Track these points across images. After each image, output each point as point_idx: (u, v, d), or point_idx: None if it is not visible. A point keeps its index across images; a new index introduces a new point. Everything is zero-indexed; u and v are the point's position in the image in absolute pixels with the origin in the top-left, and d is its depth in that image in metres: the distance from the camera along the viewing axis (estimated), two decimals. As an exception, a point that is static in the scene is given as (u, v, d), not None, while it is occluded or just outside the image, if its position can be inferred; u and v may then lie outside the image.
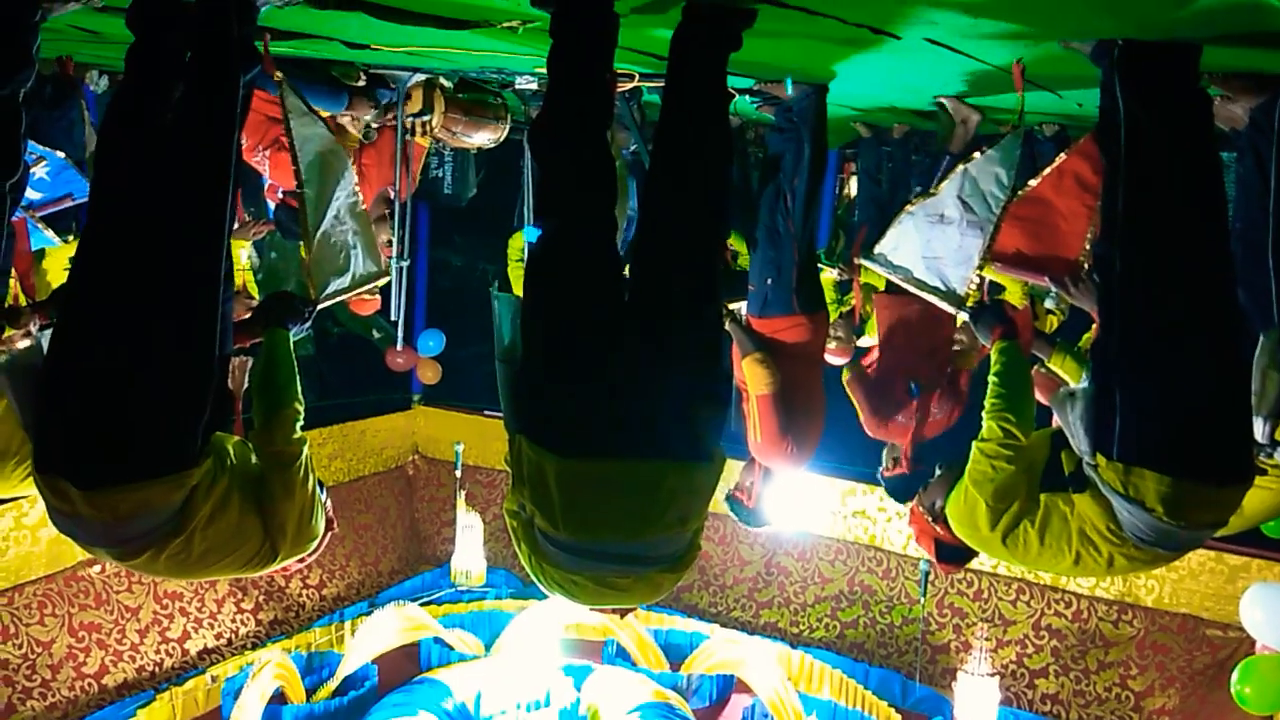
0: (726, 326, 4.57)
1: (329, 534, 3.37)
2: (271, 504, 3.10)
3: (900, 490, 5.20)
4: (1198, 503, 3.01)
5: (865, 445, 6.46)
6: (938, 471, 3.68)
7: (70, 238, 4.98)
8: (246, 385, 3.40)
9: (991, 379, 3.46)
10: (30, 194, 4.56)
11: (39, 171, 4.62)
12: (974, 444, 3.41)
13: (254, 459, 3.17)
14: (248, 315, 3.54)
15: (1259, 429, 3.25)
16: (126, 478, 2.75)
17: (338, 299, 3.92)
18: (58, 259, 5.27)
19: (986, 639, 7.02)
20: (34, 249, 5.05)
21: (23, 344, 3.85)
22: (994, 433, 3.34)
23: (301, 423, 3.22)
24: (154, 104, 2.86)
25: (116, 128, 2.93)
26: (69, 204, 4.80)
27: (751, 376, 4.58)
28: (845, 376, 5.12)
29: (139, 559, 2.93)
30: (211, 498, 2.91)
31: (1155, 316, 2.95)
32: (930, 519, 3.67)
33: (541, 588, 2.93)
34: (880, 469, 5.44)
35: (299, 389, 3.26)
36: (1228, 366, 3.00)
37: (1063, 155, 3.78)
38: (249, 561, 3.12)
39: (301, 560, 3.30)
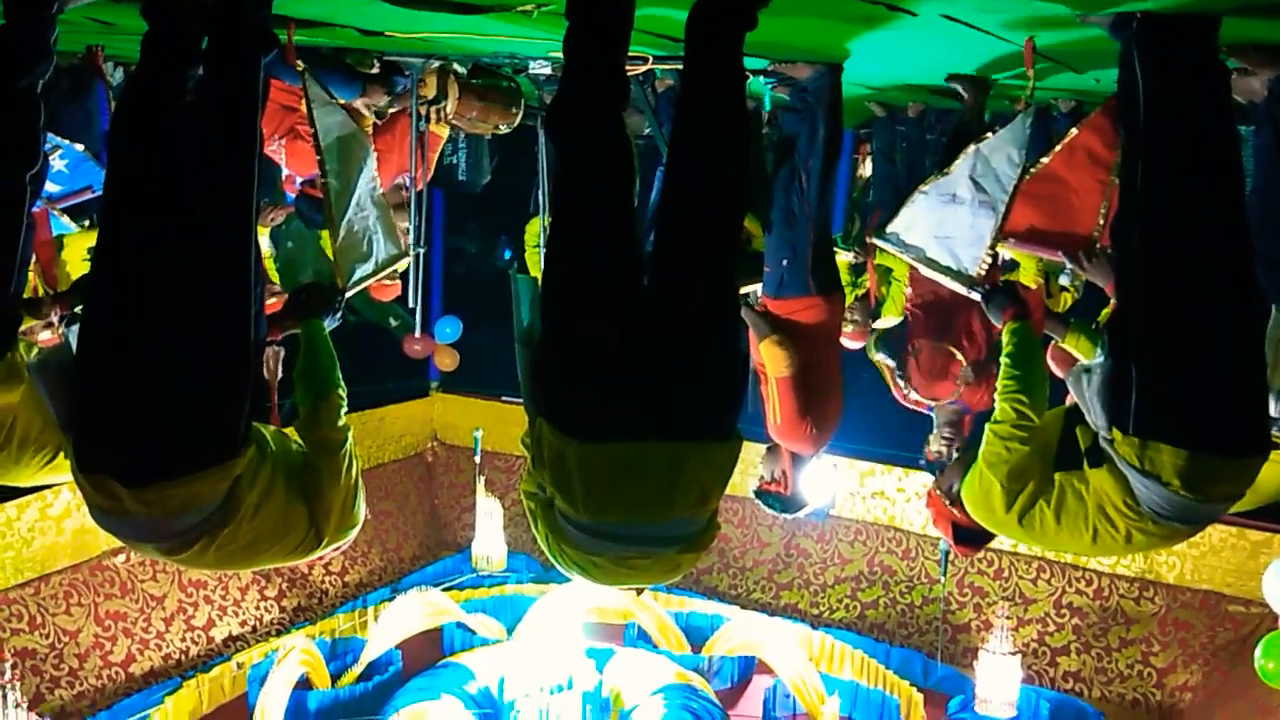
0: (741, 311, 4.56)
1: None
2: (318, 490, 3.11)
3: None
4: (1214, 475, 3.00)
5: (884, 426, 6.47)
6: (953, 456, 3.67)
7: (88, 223, 5.00)
8: (281, 375, 3.42)
9: (1004, 360, 3.46)
10: (49, 186, 4.58)
11: (56, 164, 4.63)
12: (987, 426, 3.40)
13: (294, 448, 3.18)
14: (275, 303, 3.55)
15: (1272, 404, 3.24)
16: (175, 472, 2.75)
17: (363, 284, 3.94)
18: (76, 248, 5.30)
19: (1007, 618, 7.02)
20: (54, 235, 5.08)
21: (44, 335, 3.88)
22: (1007, 414, 3.34)
23: (345, 409, 3.25)
24: (171, 89, 2.86)
25: (133, 114, 2.92)
26: (89, 195, 4.82)
27: (770, 359, 4.57)
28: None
29: (188, 553, 2.93)
30: (257, 486, 2.91)
31: (1172, 289, 2.94)
32: (947, 502, 3.67)
33: (559, 568, 2.94)
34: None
35: (340, 376, 3.29)
36: (1243, 339, 2.99)
37: (1074, 130, 3.77)
38: (295, 549, 3.13)
39: (338, 548, 3.30)
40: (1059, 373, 3.78)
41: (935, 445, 5.27)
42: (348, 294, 3.79)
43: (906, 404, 5.51)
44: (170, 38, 2.86)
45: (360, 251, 3.89)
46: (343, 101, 4.61)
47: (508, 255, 13.80)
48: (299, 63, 3.88)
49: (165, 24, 2.86)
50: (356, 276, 3.87)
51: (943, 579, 7.73)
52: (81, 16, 3.60)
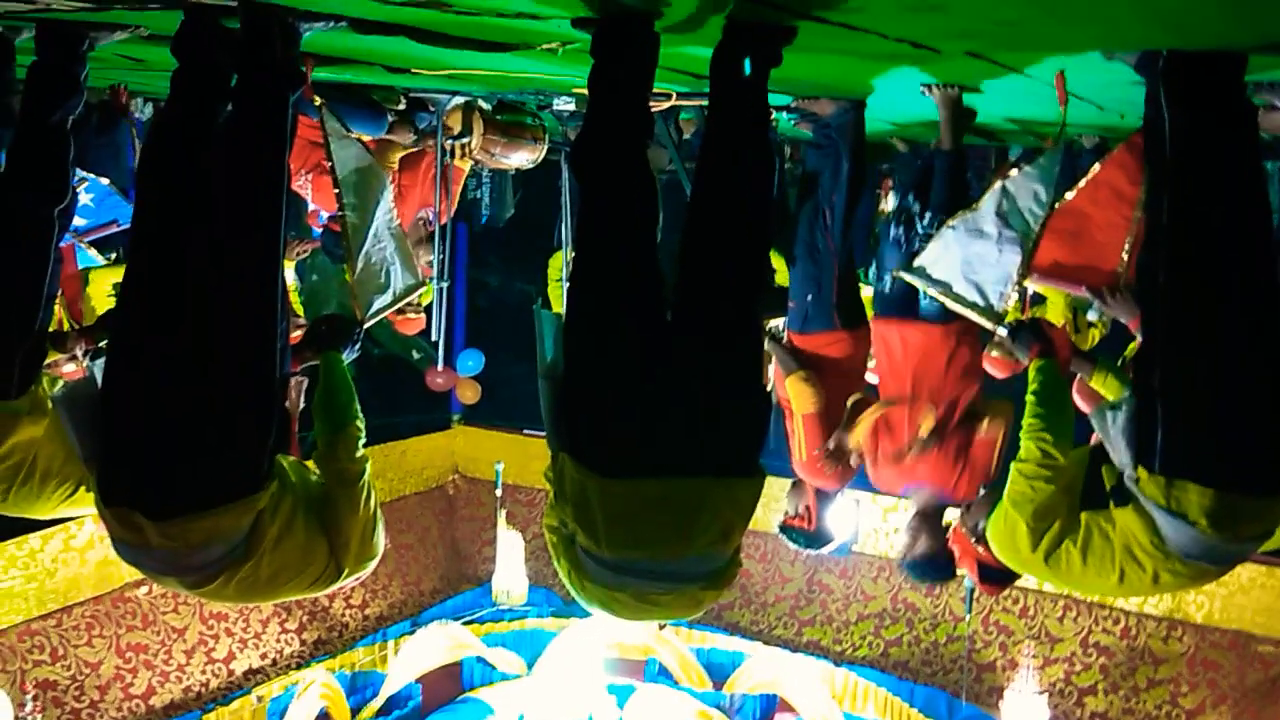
0: (767, 346, 4.54)
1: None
2: (336, 522, 3.12)
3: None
4: (1242, 515, 2.96)
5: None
6: (980, 493, 3.64)
7: (114, 257, 5.04)
8: (302, 407, 3.44)
9: (1029, 398, 3.43)
10: (76, 220, 4.63)
11: (83, 197, 4.69)
12: (1012, 465, 3.38)
13: (313, 479, 3.19)
14: (298, 335, 3.57)
15: None
16: (199, 506, 2.76)
17: (382, 315, 3.96)
18: (101, 283, 5.35)
19: (1034, 657, 6.95)
20: (79, 267, 5.12)
21: (68, 368, 3.90)
22: (1032, 453, 3.31)
23: (364, 440, 3.26)
24: (200, 125, 2.89)
25: (161, 149, 2.96)
26: (115, 230, 4.87)
27: (796, 395, 4.55)
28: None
29: (210, 586, 2.95)
30: (278, 519, 2.92)
31: (1198, 327, 2.92)
32: (973, 540, 3.63)
33: (581, 602, 2.93)
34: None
35: (358, 408, 3.30)
36: (1270, 376, 2.95)
37: (1097, 166, 3.75)
38: (315, 581, 3.14)
39: (358, 579, 3.31)
40: (1085, 409, 3.74)
41: (902, 538, 4.48)
42: (366, 325, 3.81)
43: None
44: (200, 74, 2.89)
45: (378, 283, 3.91)
46: (369, 138, 4.65)
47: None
48: (316, 98, 3.92)
49: (195, 61, 2.89)
50: (375, 308, 3.88)
51: (968, 617, 7.65)
52: (112, 53, 3.64)
